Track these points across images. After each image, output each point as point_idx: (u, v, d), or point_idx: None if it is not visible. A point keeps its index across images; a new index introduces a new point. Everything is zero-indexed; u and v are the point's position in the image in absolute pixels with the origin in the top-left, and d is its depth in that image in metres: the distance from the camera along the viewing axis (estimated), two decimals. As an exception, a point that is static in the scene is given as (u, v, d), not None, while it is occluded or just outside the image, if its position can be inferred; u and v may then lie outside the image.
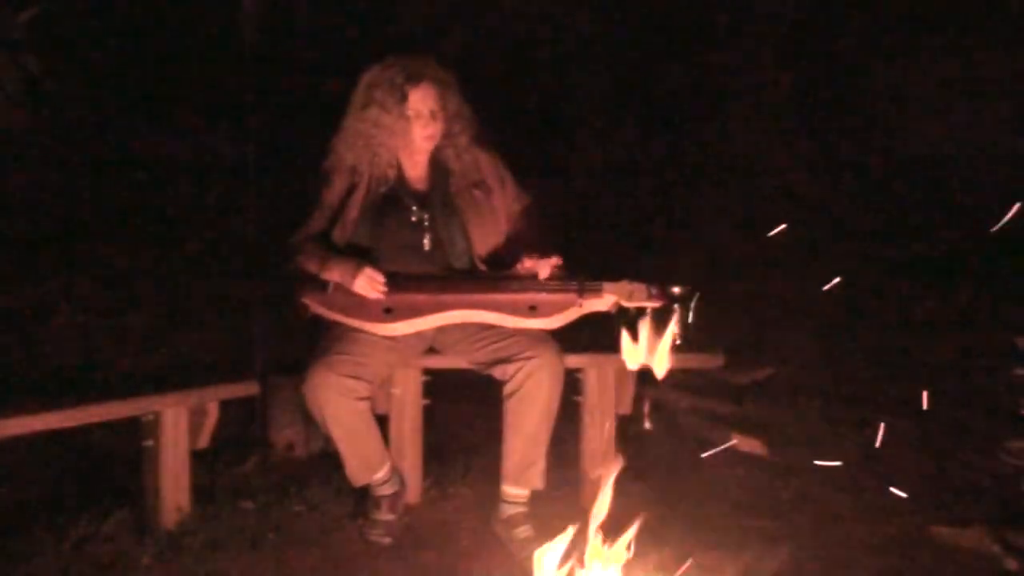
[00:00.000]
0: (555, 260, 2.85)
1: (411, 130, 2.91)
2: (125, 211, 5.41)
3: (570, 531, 2.13)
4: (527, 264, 2.85)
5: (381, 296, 2.82)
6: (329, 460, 3.15)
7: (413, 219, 2.95)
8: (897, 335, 4.74)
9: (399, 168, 3.00)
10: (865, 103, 5.83)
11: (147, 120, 5.52)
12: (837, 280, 2.55)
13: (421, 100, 2.89)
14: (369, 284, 2.81)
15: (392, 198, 2.96)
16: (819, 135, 5.85)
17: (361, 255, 2.90)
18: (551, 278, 2.86)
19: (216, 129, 5.40)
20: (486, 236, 2.97)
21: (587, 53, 6.27)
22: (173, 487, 2.90)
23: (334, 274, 2.85)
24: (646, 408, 3.53)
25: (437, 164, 3.01)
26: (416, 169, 3.02)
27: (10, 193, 5.11)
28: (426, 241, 2.95)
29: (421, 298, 2.84)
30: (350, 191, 2.95)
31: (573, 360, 2.97)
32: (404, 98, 2.88)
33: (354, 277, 2.81)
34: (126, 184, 5.48)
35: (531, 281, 2.87)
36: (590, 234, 5.64)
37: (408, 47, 3.05)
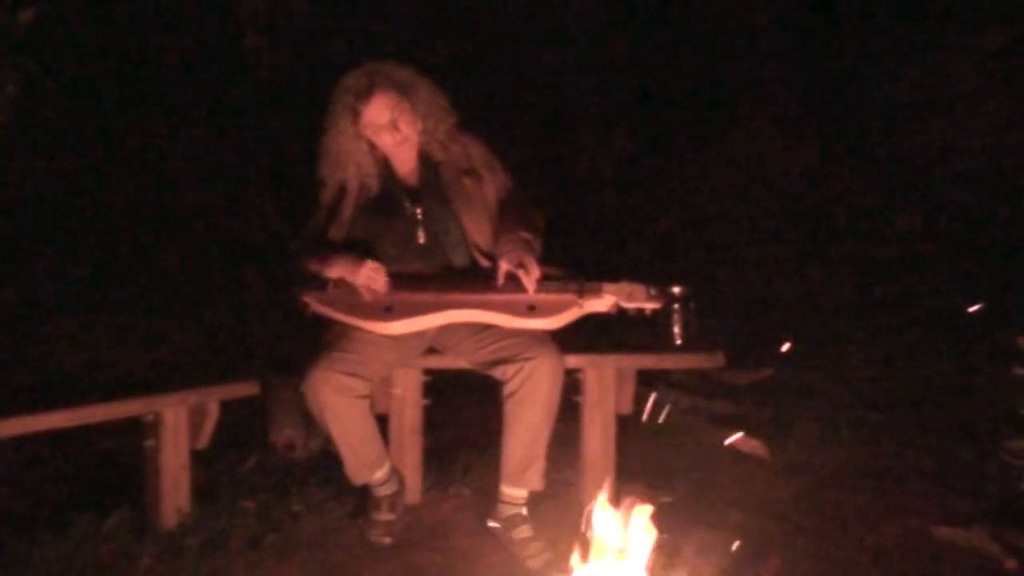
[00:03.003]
0: (535, 274, 2.80)
1: (377, 141, 2.92)
2: (125, 211, 5.41)
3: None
4: (504, 269, 2.81)
5: (384, 290, 2.82)
6: (329, 460, 3.15)
7: (407, 214, 2.95)
8: (897, 335, 4.75)
9: (389, 166, 3.00)
10: (866, 104, 5.83)
11: (147, 120, 5.53)
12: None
13: (376, 114, 2.88)
14: (373, 277, 2.81)
15: (385, 195, 2.97)
16: (820, 136, 5.85)
17: (358, 249, 2.90)
18: (547, 278, 2.86)
19: (216, 129, 5.41)
20: (480, 225, 2.95)
21: (588, 53, 6.27)
22: (173, 487, 2.90)
23: (335, 271, 2.85)
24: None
25: (426, 158, 3.01)
26: (406, 166, 3.01)
27: (10, 193, 5.12)
28: (421, 235, 2.95)
29: (421, 297, 2.84)
30: (344, 191, 2.97)
31: (573, 360, 2.97)
32: (357, 117, 2.89)
33: (356, 272, 2.81)
34: (126, 184, 5.48)
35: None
36: (590, 234, 5.64)
37: (406, 48, 3.05)
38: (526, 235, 2.86)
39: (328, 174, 3.00)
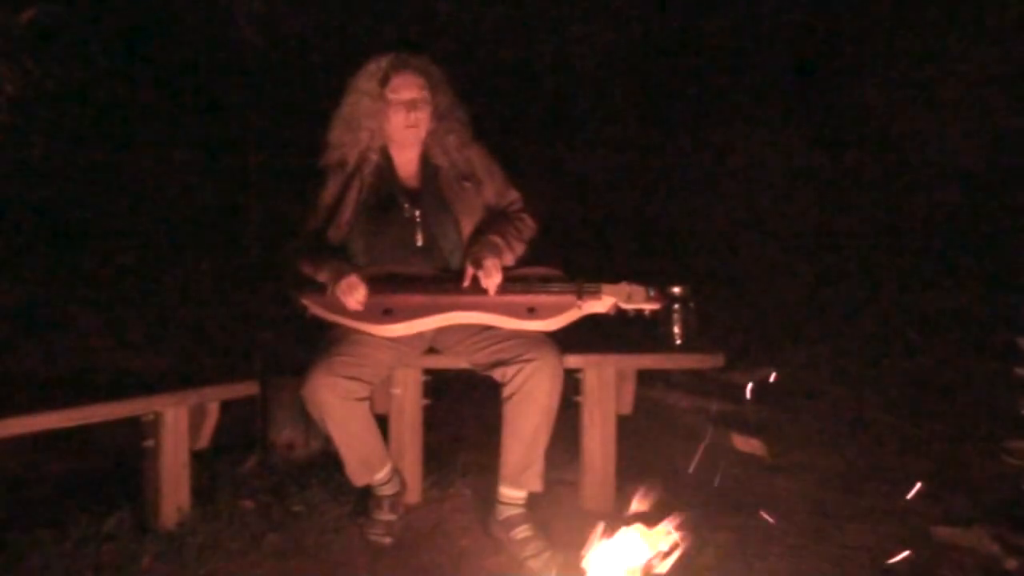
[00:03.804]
0: (494, 277, 2.81)
1: (391, 115, 2.92)
2: (125, 212, 5.42)
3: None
4: (469, 272, 2.83)
5: (357, 306, 2.81)
6: (329, 460, 3.15)
7: (405, 216, 2.95)
8: (897, 335, 4.75)
9: (391, 166, 3.00)
10: (865, 106, 5.83)
11: (147, 121, 5.53)
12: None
13: (402, 86, 2.91)
14: (348, 292, 2.80)
15: (385, 196, 2.97)
16: (820, 137, 5.85)
17: (356, 254, 2.91)
18: (546, 279, 2.87)
19: (216, 130, 5.41)
20: (477, 230, 2.97)
21: (588, 53, 6.27)
22: (173, 487, 2.90)
23: (323, 277, 2.86)
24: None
25: (428, 162, 3.02)
26: (408, 167, 3.02)
27: (10, 193, 5.12)
28: (419, 237, 2.94)
29: (420, 299, 2.84)
30: (344, 191, 2.96)
31: (573, 360, 2.97)
32: (386, 82, 2.90)
33: (335, 283, 2.81)
34: (126, 185, 5.49)
35: (531, 283, 2.87)
36: (590, 234, 5.64)
37: (410, 44, 3.05)
38: (494, 238, 2.89)
39: (333, 154, 2.99)
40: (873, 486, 3.25)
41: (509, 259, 2.90)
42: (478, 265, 2.82)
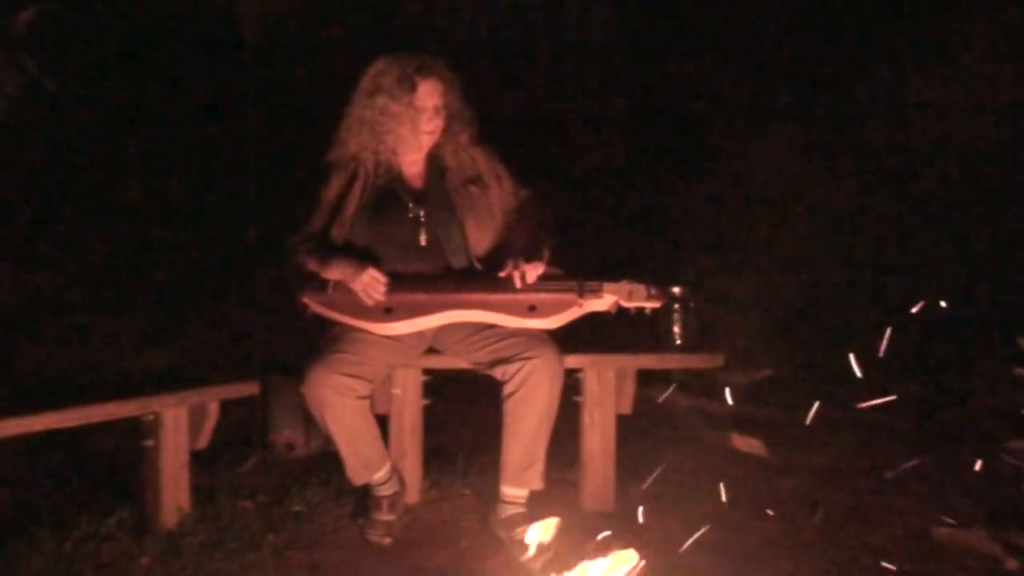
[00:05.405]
0: (538, 268, 2.81)
1: (415, 121, 2.91)
2: (125, 211, 5.42)
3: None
4: (510, 270, 2.82)
5: (383, 298, 2.81)
6: (329, 460, 3.15)
7: (409, 215, 2.95)
8: (897, 335, 4.74)
9: (396, 165, 2.99)
10: (864, 104, 5.83)
11: (146, 120, 5.53)
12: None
13: (428, 94, 2.91)
14: (372, 285, 2.80)
15: (389, 195, 2.97)
16: (818, 136, 5.86)
17: (359, 253, 2.90)
18: (547, 278, 2.87)
19: (215, 129, 5.41)
20: (483, 232, 2.96)
21: (587, 54, 6.27)
22: (173, 487, 2.90)
23: (335, 273, 2.85)
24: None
25: (434, 162, 3.02)
26: (413, 166, 3.02)
27: (10, 193, 5.12)
28: (422, 237, 2.94)
29: (421, 297, 2.84)
30: (348, 188, 2.96)
31: (573, 360, 2.97)
32: (414, 88, 2.89)
33: (356, 277, 2.81)
34: (125, 184, 5.49)
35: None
36: (590, 234, 5.64)
37: (411, 46, 3.05)
38: (543, 251, 2.88)
39: (345, 152, 2.97)
40: (873, 486, 3.25)
41: (542, 268, 2.87)
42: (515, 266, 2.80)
